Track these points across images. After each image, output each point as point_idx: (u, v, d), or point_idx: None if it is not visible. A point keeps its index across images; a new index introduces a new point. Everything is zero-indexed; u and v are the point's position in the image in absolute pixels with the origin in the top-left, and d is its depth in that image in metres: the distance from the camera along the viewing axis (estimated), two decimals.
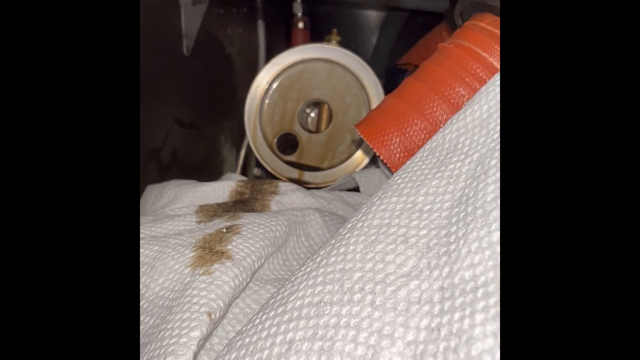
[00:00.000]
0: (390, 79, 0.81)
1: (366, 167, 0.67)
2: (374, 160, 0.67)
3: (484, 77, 0.40)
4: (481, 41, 0.41)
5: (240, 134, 0.84)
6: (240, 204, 0.47)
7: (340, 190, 0.58)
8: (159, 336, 0.28)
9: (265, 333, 0.26)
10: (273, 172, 0.70)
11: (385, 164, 0.44)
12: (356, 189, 0.58)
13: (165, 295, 0.32)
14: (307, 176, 0.68)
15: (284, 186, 0.51)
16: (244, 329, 0.27)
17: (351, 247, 0.28)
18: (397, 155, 0.43)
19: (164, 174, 0.65)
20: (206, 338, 0.30)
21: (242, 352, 0.26)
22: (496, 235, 0.22)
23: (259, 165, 0.82)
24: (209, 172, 0.78)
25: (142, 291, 0.34)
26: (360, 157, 0.68)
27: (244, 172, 0.86)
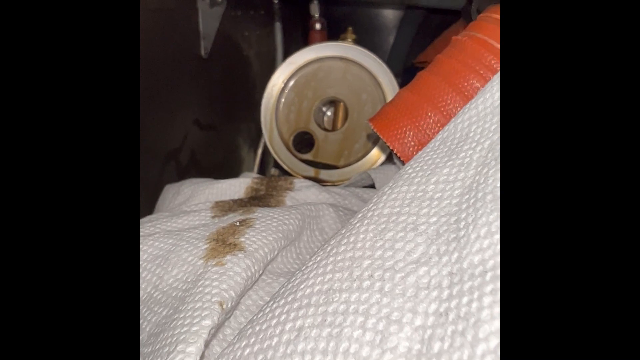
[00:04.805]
0: (408, 77, 0.80)
1: (382, 164, 0.67)
2: (390, 158, 0.67)
3: (497, 68, 0.40)
4: (494, 32, 0.41)
5: (258, 134, 0.84)
6: (256, 200, 0.48)
7: (356, 187, 0.58)
8: (171, 325, 0.28)
9: (275, 321, 0.26)
10: (290, 171, 0.70)
11: (400, 159, 0.44)
12: (372, 186, 0.58)
13: (179, 287, 0.33)
14: (323, 174, 0.68)
15: (299, 182, 0.51)
16: (255, 317, 0.27)
17: (361, 236, 0.27)
18: (412, 149, 0.42)
19: (183, 175, 0.66)
20: (218, 327, 0.30)
21: (252, 339, 0.26)
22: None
23: (276, 165, 0.83)
24: (227, 173, 0.79)
25: (156, 283, 0.34)
26: (376, 155, 0.67)
27: (262, 172, 0.86)
